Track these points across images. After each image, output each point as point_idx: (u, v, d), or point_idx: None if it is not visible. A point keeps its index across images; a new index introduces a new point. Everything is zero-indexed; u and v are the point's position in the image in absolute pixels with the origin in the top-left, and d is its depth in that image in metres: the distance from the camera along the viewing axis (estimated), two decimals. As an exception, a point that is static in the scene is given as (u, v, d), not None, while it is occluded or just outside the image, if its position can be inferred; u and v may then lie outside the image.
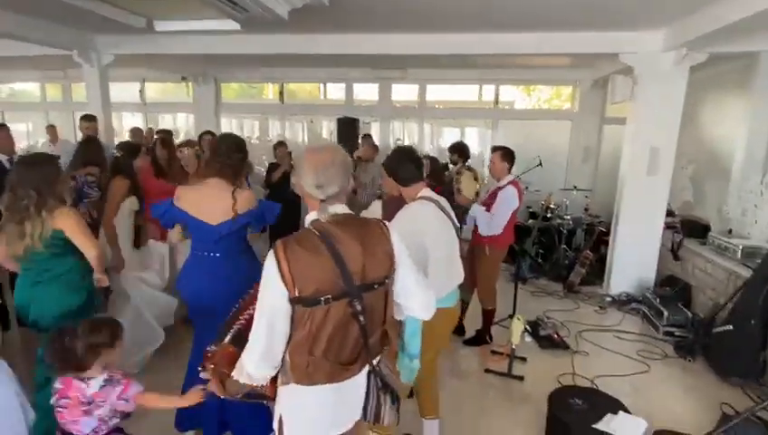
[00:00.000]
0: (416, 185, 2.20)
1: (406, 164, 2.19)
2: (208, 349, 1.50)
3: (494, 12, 3.75)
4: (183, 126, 8.97)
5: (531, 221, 6.17)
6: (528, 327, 3.95)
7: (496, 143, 7.43)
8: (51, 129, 7.15)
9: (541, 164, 5.93)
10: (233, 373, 1.36)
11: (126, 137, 6.84)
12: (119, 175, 3.23)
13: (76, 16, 4.16)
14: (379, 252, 1.38)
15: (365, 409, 1.44)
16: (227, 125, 8.66)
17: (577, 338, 3.94)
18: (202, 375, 1.51)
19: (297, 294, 1.25)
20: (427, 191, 2.18)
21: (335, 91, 8.47)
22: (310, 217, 1.38)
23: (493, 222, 3.41)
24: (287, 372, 1.34)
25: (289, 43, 4.87)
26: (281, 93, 8.17)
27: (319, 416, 1.39)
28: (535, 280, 5.45)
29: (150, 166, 3.74)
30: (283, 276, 1.24)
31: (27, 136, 9.13)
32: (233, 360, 1.40)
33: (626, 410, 2.38)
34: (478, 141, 8.09)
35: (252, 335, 1.31)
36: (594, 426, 2.24)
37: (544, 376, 3.27)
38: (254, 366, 1.31)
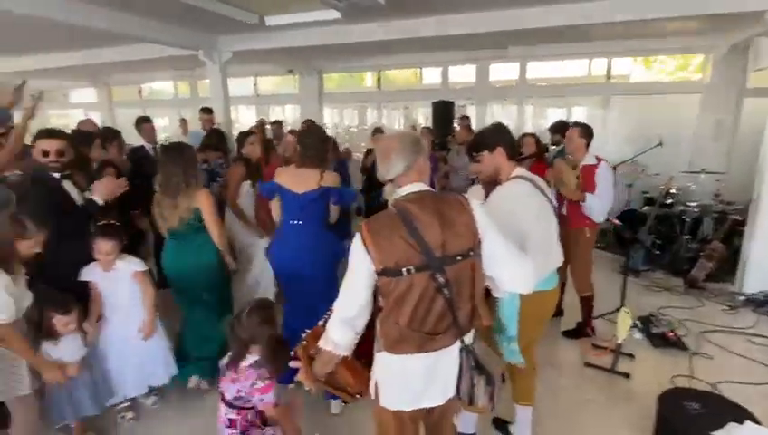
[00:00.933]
0: (511, 162, 2.09)
1: (505, 135, 2.08)
2: (302, 335, 1.62)
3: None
4: (290, 116, 9.64)
5: (647, 208, 5.57)
6: (638, 323, 3.61)
7: (609, 122, 6.91)
8: (182, 122, 8.21)
9: (661, 144, 5.30)
10: (319, 343, 1.48)
11: (241, 128, 7.59)
12: (237, 161, 3.63)
13: (199, 19, 4.70)
14: (459, 224, 1.40)
15: (458, 388, 1.47)
16: (329, 114, 9.11)
17: (698, 339, 3.51)
18: (292, 364, 1.60)
19: (381, 267, 1.35)
20: (521, 170, 2.08)
21: (431, 76, 8.42)
22: (395, 194, 1.48)
23: (604, 204, 3.22)
24: (379, 340, 1.43)
25: (388, 30, 4.94)
26: (378, 80, 8.34)
27: (410, 384, 1.45)
28: (650, 273, 4.93)
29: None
30: (367, 251, 1.35)
31: (164, 129, 10.56)
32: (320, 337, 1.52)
33: (755, 421, 2.08)
34: (587, 121, 7.45)
35: (337, 305, 1.43)
36: (712, 434, 2.00)
37: (655, 376, 2.98)
38: (337, 331, 1.42)
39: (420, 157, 1.46)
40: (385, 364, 1.46)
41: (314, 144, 2.59)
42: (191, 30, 5.40)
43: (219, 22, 4.52)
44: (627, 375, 3.02)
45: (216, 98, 6.29)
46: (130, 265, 2.47)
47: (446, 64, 7.61)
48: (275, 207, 2.67)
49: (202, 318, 2.79)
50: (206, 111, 5.49)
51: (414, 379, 1.44)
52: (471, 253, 1.41)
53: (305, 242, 2.55)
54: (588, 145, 3.39)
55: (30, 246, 1.98)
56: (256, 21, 2.98)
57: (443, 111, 6.78)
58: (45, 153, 2.38)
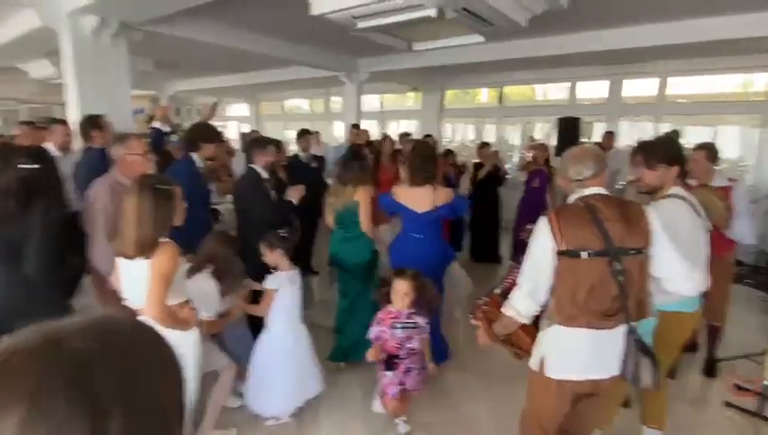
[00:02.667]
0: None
1: (682, 154, 2.16)
2: (479, 301, 1.87)
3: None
4: (409, 130, 10.14)
5: (813, 243, 4.81)
6: (796, 369, 3.19)
7: None
8: (316, 134, 9.16)
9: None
10: (502, 309, 1.69)
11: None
12: None
13: (346, 43, 5.35)
14: (637, 225, 1.58)
15: (624, 368, 1.59)
16: (448, 129, 9.41)
17: None
18: (472, 322, 1.87)
19: (564, 247, 1.54)
20: (680, 189, 2.10)
21: (555, 91, 8.24)
22: (573, 196, 1.69)
23: (750, 224, 3.03)
24: (552, 316, 1.62)
25: (524, 48, 5.11)
26: (500, 96, 8.40)
27: (577, 356, 1.61)
28: (813, 316, 4.26)
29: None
30: (553, 232, 1.55)
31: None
32: (499, 305, 1.75)
33: None
34: (740, 142, 6.67)
35: (522, 279, 1.63)
36: None
37: (813, 429, 2.64)
38: (523, 301, 1.61)
39: (606, 169, 1.69)
40: (556, 337, 1.63)
41: (422, 165, 2.86)
42: (336, 54, 6.12)
43: (368, 46, 5.09)
44: (778, 423, 2.72)
45: (349, 114, 6.98)
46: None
47: (575, 80, 7.39)
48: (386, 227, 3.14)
49: (356, 298, 3.23)
50: (356, 127, 6.17)
51: (582, 352, 1.60)
52: (643, 251, 1.58)
53: (422, 251, 2.89)
54: (713, 168, 3.15)
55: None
56: (405, 47, 3.36)
57: (569, 127, 6.61)
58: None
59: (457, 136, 9.76)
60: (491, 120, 8.82)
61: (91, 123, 3.26)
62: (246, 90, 10.18)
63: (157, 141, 3.48)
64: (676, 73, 6.55)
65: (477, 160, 5.90)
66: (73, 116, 3.75)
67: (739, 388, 3.06)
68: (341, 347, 3.21)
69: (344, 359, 3.18)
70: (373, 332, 2.32)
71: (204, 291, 2.29)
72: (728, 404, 2.92)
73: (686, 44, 4.53)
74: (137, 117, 9.43)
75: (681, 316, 2.08)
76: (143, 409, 0.45)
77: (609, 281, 1.54)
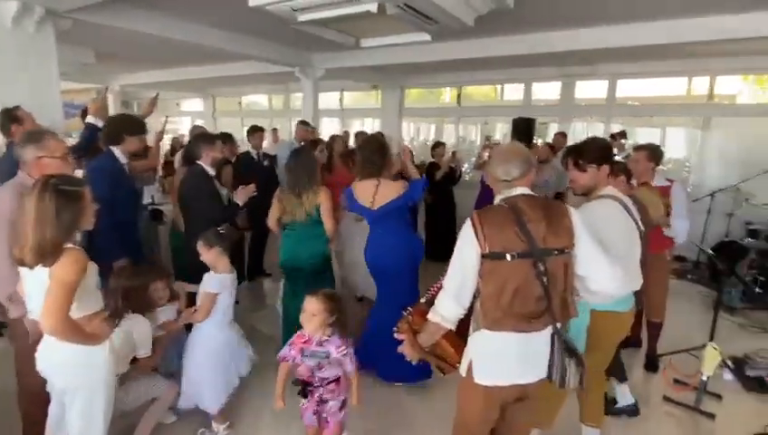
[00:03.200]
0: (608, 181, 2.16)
1: (612, 154, 2.19)
2: (404, 313, 1.80)
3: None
4: (370, 129, 10.06)
5: (748, 240, 5.07)
6: (730, 363, 3.33)
7: (710, 145, 6.39)
8: (274, 131, 8.94)
9: (770, 171, 4.85)
10: (428, 316, 1.65)
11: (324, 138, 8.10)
12: None
13: (300, 39, 5.19)
14: (560, 225, 1.58)
15: (550, 370, 1.58)
16: (407, 128, 9.39)
17: (804, 388, 3.15)
18: (396, 336, 1.80)
19: (487, 250, 1.52)
20: (612, 189, 2.11)
21: (512, 92, 8.36)
22: (498, 197, 1.67)
23: (687, 224, 3.16)
24: (478, 320, 1.58)
25: (473, 48, 5.09)
26: (458, 96, 8.46)
27: (504, 361, 1.58)
28: (748, 312, 4.48)
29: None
30: (476, 235, 1.53)
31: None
32: (424, 315, 1.69)
33: None
34: (685, 143, 6.98)
35: (446, 283, 1.59)
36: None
37: (744, 422, 2.75)
38: (447, 305, 1.58)
39: (533, 168, 1.68)
40: (482, 342, 1.60)
41: (369, 156, 2.91)
42: (291, 49, 5.95)
43: (317, 42, 4.93)
44: (712, 416, 2.82)
45: (307, 111, 6.81)
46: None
47: (530, 81, 7.53)
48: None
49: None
50: (304, 123, 5.95)
51: (509, 356, 1.57)
52: (567, 251, 1.58)
53: (387, 245, 2.94)
54: (655, 168, 3.26)
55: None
56: (353, 43, 3.27)
57: (523, 127, 6.71)
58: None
59: (417, 135, 9.77)
60: (450, 119, 8.86)
61: (9, 117, 2.99)
62: (200, 84, 9.80)
63: (90, 138, 3.23)
64: (625, 76, 6.77)
65: (432, 160, 5.91)
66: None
67: (677, 382, 3.16)
68: None
69: None
70: (282, 352, 2.04)
71: (137, 332, 2.18)
72: (667, 399, 3.01)
73: (633, 48, 4.65)
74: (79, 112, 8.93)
75: (615, 315, 2.10)
76: None
77: (534, 282, 1.53)
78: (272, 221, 3.14)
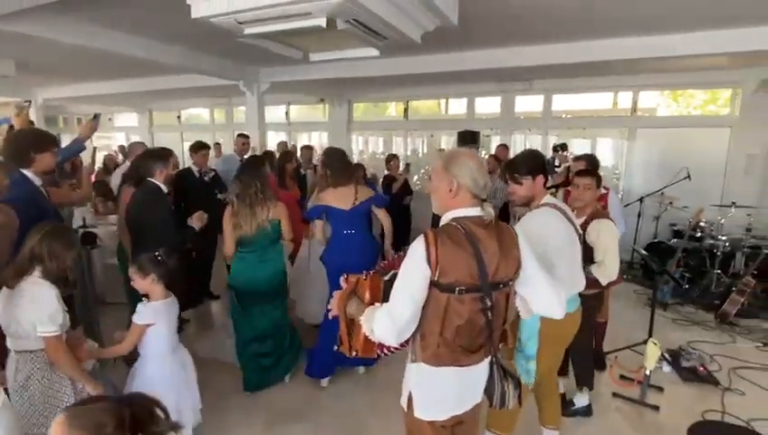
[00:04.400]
0: (544, 190, 2.21)
1: (545, 165, 2.23)
2: (364, 273, 1.64)
3: (639, 10, 3.52)
4: (317, 142, 9.98)
5: (675, 240, 5.53)
6: (667, 356, 3.58)
7: (634, 154, 6.95)
8: (217, 146, 8.62)
9: (689, 177, 5.32)
10: (361, 318, 1.51)
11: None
12: None
13: (244, 52, 5.05)
14: (510, 255, 1.51)
15: (491, 396, 1.56)
16: (356, 142, 9.41)
17: (730, 375, 3.45)
18: (341, 281, 1.70)
19: (436, 279, 1.40)
20: (551, 198, 2.19)
21: (456, 107, 8.65)
22: (451, 214, 1.51)
23: (621, 229, 3.36)
24: (417, 352, 1.50)
25: (420, 64, 5.21)
26: (405, 110, 8.61)
27: (444, 396, 1.53)
28: (678, 307, 4.86)
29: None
30: (429, 260, 1.39)
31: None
32: (375, 291, 1.57)
33: (790, 458, 2.06)
34: (612, 153, 7.52)
35: (392, 304, 1.42)
36: (746, 468, 1.99)
37: (685, 410, 2.95)
38: (382, 328, 1.41)
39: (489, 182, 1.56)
40: (420, 375, 1.53)
41: (340, 166, 3.13)
42: (234, 62, 5.78)
43: (262, 55, 4.82)
44: (656, 408, 3.00)
45: (252, 125, 6.63)
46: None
47: (473, 96, 7.83)
48: (320, 225, 3.16)
49: (271, 319, 3.11)
50: (244, 136, 5.78)
51: (447, 390, 1.52)
52: (512, 282, 1.53)
53: (356, 246, 3.09)
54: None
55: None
56: (301, 57, 3.23)
57: (469, 139, 6.95)
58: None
59: (366, 148, 9.81)
60: (398, 132, 9.00)
61: None
62: (136, 98, 9.27)
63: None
64: (559, 91, 7.23)
65: (387, 173, 5.97)
66: None
67: (623, 378, 3.34)
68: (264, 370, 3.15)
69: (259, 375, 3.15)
70: None
71: (38, 298, 1.82)
72: (615, 395, 3.17)
73: (566, 65, 4.97)
74: (0, 127, 8.11)
75: (564, 317, 2.18)
76: None
77: (477, 316, 1.46)
78: (228, 244, 2.98)
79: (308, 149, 6.68)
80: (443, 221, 1.54)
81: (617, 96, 7.21)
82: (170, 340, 2.30)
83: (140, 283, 2.22)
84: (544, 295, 1.59)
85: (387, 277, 1.62)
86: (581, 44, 4.62)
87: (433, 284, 1.41)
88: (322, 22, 2.38)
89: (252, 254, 3.00)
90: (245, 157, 5.40)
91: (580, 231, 2.27)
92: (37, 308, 1.80)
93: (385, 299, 1.51)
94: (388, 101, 9.15)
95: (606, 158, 7.57)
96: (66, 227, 2.15)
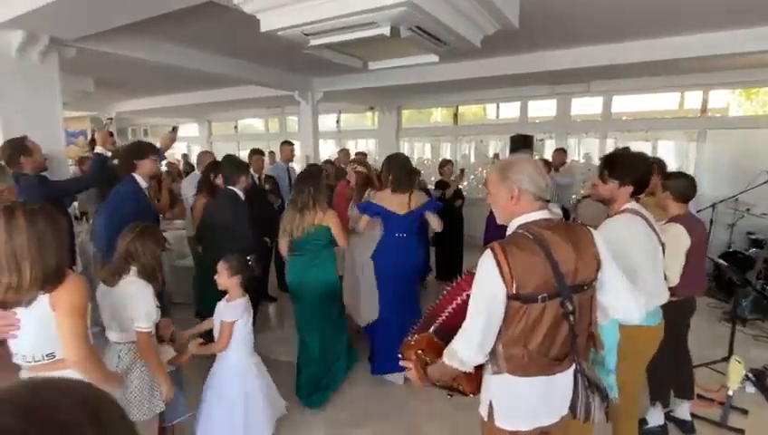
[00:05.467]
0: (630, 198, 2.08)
1: (640, 176, 2.03)
2: (408, 338, 1.64)
3: (706, 5, 3.31)
4: (364, 149, 10.10)
5: (753, 250, 5.11)
6: (751, 375, 3.29)
7: (704, 157, 6.50)
8: (271, 154, 8.94)
9: (769, 181, 4.91)
10: (444, 359, 1.49)
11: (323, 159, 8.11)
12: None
13: (300, 63, 5.24)
14: (588, 254, 1.46)
15: (574, 407, 1.49)
16: (403, 149, 9.46)
17: (826, 399, 3.12)
18: (402, 363, 1.63)
19: (515, 291, 1.36)
20: (633, 204, 2.07)
21: (507, 110, 8.49)
22: (517, 221, 1.48)
23: None
24: (499, 363, 1.46)
25: (474, 68, 5.19)
26: (455, 115, 8.56)
27: (529, 405, 1.49)
28: (759, 322, 4.47)
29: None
30: (502, 274, 1.35)
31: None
32: (437, 350, 1.56)
33: None
34: (676, 156, 7.08)
35: (469, 327, 1.42)
36: None
37: (775, 435, 2.70)
38: (470, 353, 1.42)
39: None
40: (503, 386, 1.49)
41: (404, 172, 3.21)
42: (290, 73, 6.00)
43: (317, 66, 4.99)
44: (741, 432, 2.76)
45: (305, 133, 6.84)
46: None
47: (526, 99, 7.64)
48: (366, 219, 3.23)
49: (325, 331, 3.13)
50: (289, 143, 5.95)
51: (532, 399, 1.48)
52: (593, 283, 1.48)
53: (406, 248, 3.23)
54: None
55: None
56: (360, 66, 3.29)
57: (521, 144, 6.78)
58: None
59: (414, 154, 9.82)
60: (446, 138, 8.95)
61: (16, 149, 2.94)
62: (196, 109, 9.81)
63: (99, 167, 3.22)
64: (619, 92, 6.91)
65: (441, 178, 5.93)
66: (-1, 140, 3.38)
67: (701, 398, 3.11)
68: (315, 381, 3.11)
69: (315, 396, 3.09)
70: None
71: (132, 295, 1.95)
72: (693, 416, 2.94)
73: (627, 64, 4.75)
74: (77, 140, 8.83)
75: (645, 331, 2.05)
76: None
77: (561, 323, 1.42)
78: (281, 245, 3.11)
79: (362, 155, 6.78)
80: (509, 230, 1.52)
81: (683, 96, 6.80)
82: (250, 337, 2.42)
83: (225, 280, 2.35)
84: (623, 299, 1.53)
85: (432, 329, 1.61)
86: (644, 43, 4.42)
87: (511, 297, 1.38)
88: (386, 30, 2.41)
89: (302, 257, 3.07)
90: (291, 164, 5.60)
91: (664, 240, 2.14)
92: (137, 305, 1.94)
93: (445, 342, 1.53)
94: (439, 107, 9.13)
95: (669, 162, 7.14)
96: (155, 226, 2.30)
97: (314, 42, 2.69)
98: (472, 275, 1.51)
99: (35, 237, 1.45)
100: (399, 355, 1.66)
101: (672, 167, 7.00)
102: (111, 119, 4.51)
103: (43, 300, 1.49)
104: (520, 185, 1.46)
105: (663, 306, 2.20)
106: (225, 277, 2.35)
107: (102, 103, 8.99)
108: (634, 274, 1.80)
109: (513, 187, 1.47)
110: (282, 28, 2.59)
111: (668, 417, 2.79)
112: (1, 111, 3.43)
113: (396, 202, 3.18)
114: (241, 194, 3.12)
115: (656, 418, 2.73)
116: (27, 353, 1.55)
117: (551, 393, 1.48)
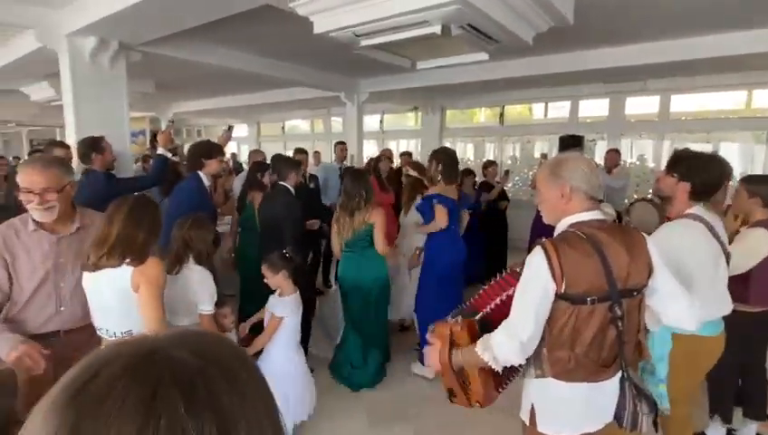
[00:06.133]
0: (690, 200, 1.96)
1: (708, 177, 1.90)
2: (449, 318, 1.56)
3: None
4: (406, 149, 10.10)
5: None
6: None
7: (772, 160, 6.03)
8: (316, 154, 9.16)
9: None
10: (476, 347, 1.43)
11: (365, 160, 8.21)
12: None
13: (347, 65, 5.33)
14: (641, 260, 1.41)
15: (620, 416, 1.44)
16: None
17: None
18: (429, 337, 1.58)
19: (564, 291, 1.33)
20: (699, 209, 1.95)
21: (555, 110, 8.23)
22: (568, 220, 1.44)
23: None
24: (543, 366, 1.42)
25: (524, 67, 5.07)
26: (501, 115, 8.40)
27: (572, 410, 1.45)
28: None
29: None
30: (553, 273, 1.32)
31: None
32: (473, 334, 1.50)
33: None
34: (740, 159, 6.61)
35: (514, 324, 1.37)
36: None
37: None
38: (511, 351, 1.36)
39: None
40: (546, 390, 1.46)
41: (453, 163, 3.27)
42: (336, 74, 6.12)
43: (363, 66, 5.05)
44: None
45: (350, 134, 6.94)
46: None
47: (576, 98, 7.38)
48: (444, 211, 3.16)
49: (370, 326, 3.19)
50: (342, 143, 6.19)
51: (575, 405, 1.44)
52: (644, 289, 1.43)
53: (460, 242, 3.34)
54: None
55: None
56: (409, 66, 3.32)
57: (570, 145, 6.56)
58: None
59: (458, 155, 9.72)
60: (491, 138, 8.79)
61: (90, 146, 3.19)
62: (246, 110, 10.19)
63: (161, 167, 3.43)
64: (679, 91, 6.54)
65: (484, 179, 5.83)
66: (72, 138, 3.67)
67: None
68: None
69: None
70: None
71: (198, 281, 2.10)
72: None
73: (691, 61, 4.49)
74: (137, 139, 9.41)
75: (701, 341, 1.92)
76: (260, 428, 0.41)
77: (608, 328, 1.37)
78: (334, 245, 3.22)
79: (408, 155, 6.82)
80: (558, 229, 1.48)
81: (751, 94, 6.34)
82: (297, 334, 2.50)
83: (273, 279, 2.45)
84: (676, 305, 1.47)
85: (477, 318, 1.57)
86: (711, 38, 4.16)
87: (560, 297, 1.34)
88: (438, 29, 2.42)
89: (353, 253, 3.13)
90: (343, 164, 5.75)
91: (729, 250, 2.02)
92: (202, 290, 2.08)
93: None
94: (484, 107, 8.97)
95: (734, 164, 6.67)
96: (205, 216, 2.43)
97: (365, 42, 2.73)
98: (517, 272, 1.48)
99: (129, 217, 1.67)
100: (431, 330, 1.59)
101: (736, 171, 6.59)
102: (173, 121, 4.82)
103: (126, 273, 1.63)
104: (572, 183, 1.42)
105: (738, 318, 2.07)
106: (270, 277, 2.45)
107: (160, 104, 9.53)
108: (689, 283, 1.72)
109: (564, 185, 1.43)
110: (334, 29, 2.65)
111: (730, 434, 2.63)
112: (77, 112, 3.72)
113: (449, 193, 3.23)
114: (292, 189, 3.22)
115: (716, 433, 2.57)
116: (110, 328, 1.72)
117: (595, 400, 1.44)
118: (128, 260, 1.64)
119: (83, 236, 1.81)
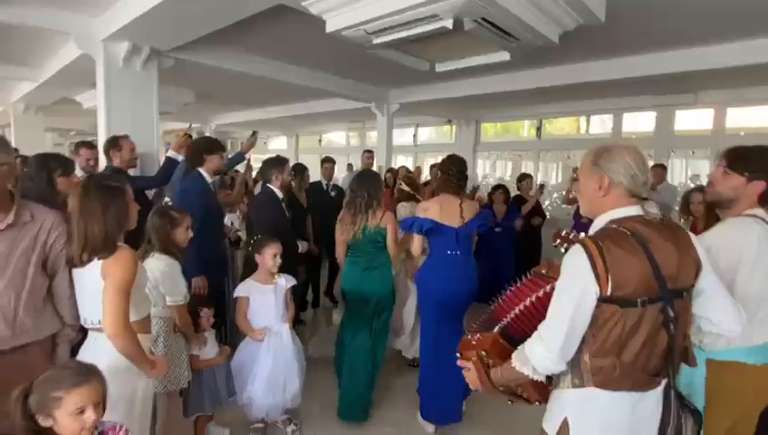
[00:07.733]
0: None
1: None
2: (469, 337, 1.49)
3: None
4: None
5: None
6: None
7: None
8: (349, 166, 9.26)
9: None
10: (513, 363, 1.32)
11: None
12: None
13: (374, 73, 5.31)
14: (689, 257, 1.29)
15: (664, 430, 1.27)
16: (481, 166, 9.14)
17: None
18: (460, 363, 1.48)
19: (609, 293, 1.19)
20: (759, 209, 1.67)
21: (598, 124, 7.84)
22: (606, 216, 1.31)
23: None
24: (584, 375, 1.26)
25: (556, 75, 4.82)
26: (538, 129, 8.09)
27: (614, 424, 1.27)
28: None
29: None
30: (596, 273, 1.19)
31: (336, 171, 11.93)
32: (501, 352, 1.39)
33: None
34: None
35: (549, 331, 1.25)
36: None
37: None
38: (549, 360, 1.24)
39: None
40: (585, 401, 1.28)
41: (461, 171, 2.80)
42: (367, 84, 6.13)
43: (392, 74, 4.98)
44: None
45: (380, 145, 6.90)
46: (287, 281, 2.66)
47: (620, 111, 6.98)
48: (419, 239, 2.77)
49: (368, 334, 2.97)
50: (369, 151, 6.26)
51: (619, 418, 1.26)
52: (692, 289, 1.31)
53: (461, 268, 2.73)
54: None
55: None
56: (427, 68, 3.21)
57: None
58: None
59: (494, 171, 9.44)
60: (528, 154, 8.48)
61: (110, 142, 3.30)
62: (285, 122, 10.44)
63: (169, 169, 3.47)
64: (735, 103, 6.02)
65: (518, 193, 5.58)
66: (102, 139, 3.82)
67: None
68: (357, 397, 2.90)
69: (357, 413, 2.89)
70: None
71: (161, 269, 2.06)
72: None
73: (749, 69, 4.09)
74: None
75: (740, 368, 1.64)
76: None
77: (659, 332, 1.23)
78: (338, 248, 3.03)
79: (405, 168, 6.79)
80: (595, 226, 1.34)
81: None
82: (269, 314, 2.54)
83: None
84: (722, 308, 1.33)
85: (497, 329, 1.47)
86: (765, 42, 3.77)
87: (605, 300, 1.20)
88: (449, 23, 2.31)
89: (359, 258, 2.95)
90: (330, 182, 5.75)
91: None
92: (164, 279, 2.05)
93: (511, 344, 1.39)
94: (520, 119, 8.69)
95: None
96: (171, 207, 2.41)
97: (377, 40, 2.66)
98: (542, 275, 1.40)
99: (82, 209, 1.60)
100: (458, 354, 1.50)
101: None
102: (190, 125, 5.08)
103: (97, 266, 1.58)
104: (612, 176, 1.29)
105: None
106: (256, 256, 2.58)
107: (203, 115, 9.95)
108: (744, 284, 1.53)
109: (603, 176, 1.30)
110: (346, 27, 2.60)
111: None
112: (108, 115, 3.88)
113: (446, 212, 2.69)
114: (278, 191, 3.13)
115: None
116: (87, 317, 1.69)
117: (636, 412, 1.26)
118: (94, 258, 1.58)
119: (21, 235, 1.61)
